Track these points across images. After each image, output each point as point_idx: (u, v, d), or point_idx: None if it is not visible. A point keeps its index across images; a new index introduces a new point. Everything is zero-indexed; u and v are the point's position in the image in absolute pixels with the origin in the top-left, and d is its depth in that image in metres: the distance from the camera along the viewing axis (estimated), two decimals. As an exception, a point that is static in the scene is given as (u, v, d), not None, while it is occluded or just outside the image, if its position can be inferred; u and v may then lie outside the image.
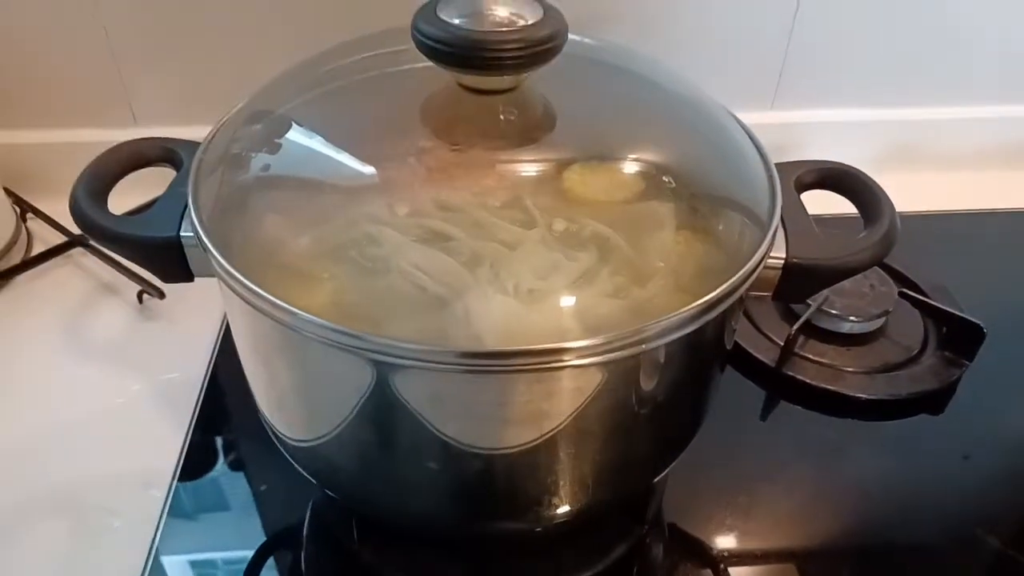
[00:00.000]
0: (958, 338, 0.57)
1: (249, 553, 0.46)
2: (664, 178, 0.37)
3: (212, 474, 0.51)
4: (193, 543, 0.47)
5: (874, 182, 0.41)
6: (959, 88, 0.75)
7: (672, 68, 0.43)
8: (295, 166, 0.38)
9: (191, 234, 0.36)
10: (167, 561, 0.45)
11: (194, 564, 0.46)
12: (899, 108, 0.75)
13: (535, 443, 0.34)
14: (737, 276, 0.33)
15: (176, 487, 0.49)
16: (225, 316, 0.59)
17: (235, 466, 0.51)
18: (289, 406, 0.39)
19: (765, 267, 0.36)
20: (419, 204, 0.35)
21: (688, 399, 0.40)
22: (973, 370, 0.56)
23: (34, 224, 0.67)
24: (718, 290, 0.32)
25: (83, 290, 0.62)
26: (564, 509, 0.38)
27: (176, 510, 0.47)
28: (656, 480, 0.43)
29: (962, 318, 0.57)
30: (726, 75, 0.70)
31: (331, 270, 0.34)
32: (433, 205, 0.35)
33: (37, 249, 0.64)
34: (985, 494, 0.50)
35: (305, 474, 0.42)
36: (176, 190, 0.38)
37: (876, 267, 0.61)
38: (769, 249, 0.35)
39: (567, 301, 0.33)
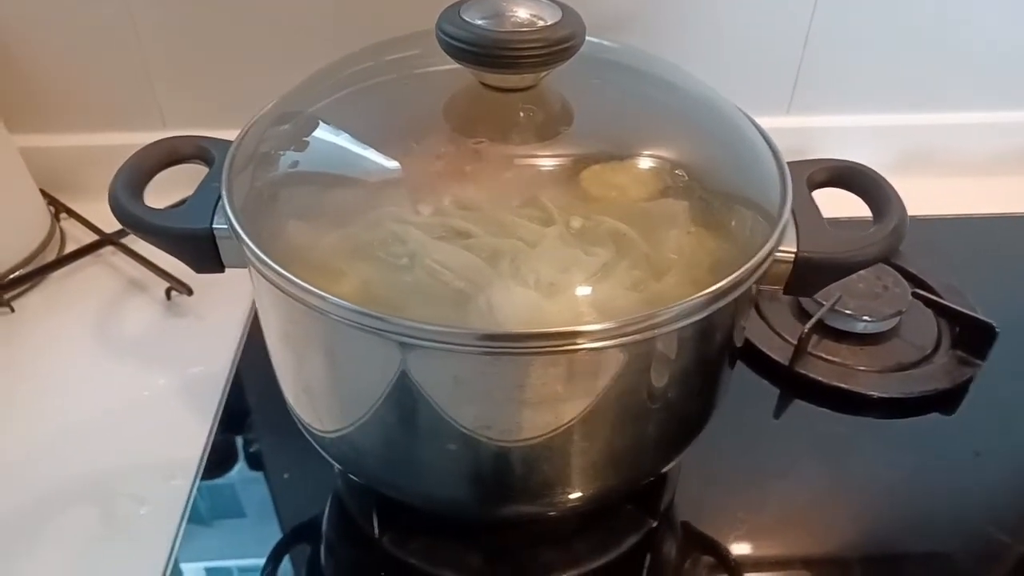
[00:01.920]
0: (971, 338, 0.57)
1: (268, 555, 0.47)
2: (679, 176, 0.38)
3: (234, 466, 0.52)
4: (214, 545, 0.48)
5: (883, 179, 0.41)
6: (973, 94, 0.76)
7: (686, 69, 0.44)
8: (323, 164, 0.39)
9: (224, 226, 0.38)
10: (187, 568, 0.46)
11: (211, 571, 0.47)
12: (913, 113, 0.76)
13: (550, 425, 0.35)
14: (747, 266, 0.34)
15: (199, 486, 0.50)
16: (251, 312, 0.61)
17: (258, 455, 0.53)
18: (316, 392, 0.40)
19: (776, 260, 0.37)
20: (442, 203, 0.36)
21: (697, 389, 0.40)
22: (986, 370, 0.56)
23: (67, 224, 0.69)
24: (728, 279, 0.33)
25: (113, 287, 0.64)
26: (578, 492, 0.39)
27: (196, 516, 0.48)
28: (667, 469, 0.44)
29: (975, 318, 0.57)
30: (743, 81, 0.71)
31: (357, 266, 0.35)
32: (455, 204, 0.36)
33: (70, 248, 0.66)
34: (996, 492, 0.51)
35: (331, 460, 0.44)
36: (209, 185, 0.40)
37: (891, 269, 0.62)
38: (779, 242, 0.36)
39: (586, 294, 0.34)
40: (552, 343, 0.32)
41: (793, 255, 0.38)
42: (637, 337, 0.32)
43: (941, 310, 0.60)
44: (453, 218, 0.35)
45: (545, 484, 0.38)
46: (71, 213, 0.69)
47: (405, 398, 0.35)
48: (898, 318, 0.59)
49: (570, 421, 0.35)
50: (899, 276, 0.61)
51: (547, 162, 0.38)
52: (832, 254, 0.38)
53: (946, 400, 0.55)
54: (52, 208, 0.69)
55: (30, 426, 0.53)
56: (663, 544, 0.47)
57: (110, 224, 0.63)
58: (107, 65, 0.68)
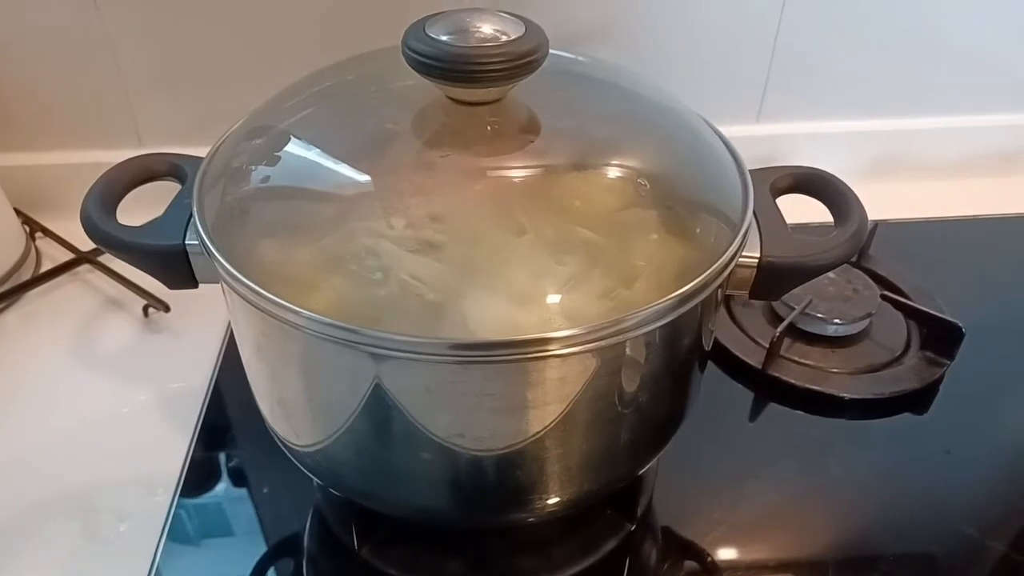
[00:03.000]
0: (939, 338, 0.58)
1: (250, 572, 0.47)
2: (646, 185, 0.39)
3: (214, 481, 0.52)
4: (195, 561, 0.48)
5: (844, 184, 0.42)
6: (941, 99, 0.77)
7: (651, 80, 0.45)
8: (294, 178, 0.40)
9: (196, 242, 0.38)
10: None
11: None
12: (881, 119, 0.78)
13: (523, 432, 0.36)
14: (710, 271, 0.35)
15: (179, 502, 0.50)
16: (228, 328, 0.61)
17: (237, 470, 0.53)
18: (291, 407, 0.40)
19: (740, 265, 0.38)
20: (413, 215, 0.36)
21: (669, 393, 0.41)
22: (954, 369, 0.57)
23: (43, 243, 0.69)
24: (692, 283, 0.34)
25: (90, 305, 0.64)
26: (554, 498, 0.40)
27: (176, 531, 0.48)
28: (642, 472, 0.45)
29: (942, 319, 0.58)
30: (712, 91, 0.73)
31: (330, 280, 0.35)
32: (427, 216, 0.36)
33: (46, 266, 0.66)
34: (968, 489, 0.51)
35: (309, 474, 0.44)
36: (181, 201, 0.40)
37: (860, 272, 0.63)
38: (741, 247, 0.37)
39: (558, 303, 0.34)
40: (521, 351, 0.32)
41: (757, 260, 0.39)
42: (605, 343, 0.33)
43: (910, 312, 0.61)
44: (425, 231, 0.36)
45: (521, 491, 0.39)
46: (46, 232, 0.69)
47: (379, 410, 0.35)
48: (868, 320, 0.60)
49: (543, 428, 0.36)
50: (868, 279, 0.62)
51: (517, 173, 0.39)
52: (795, 258, 0.39)
53: (917, 400, 0.56)
54: (27, 227, 0.69)
55: (9, 443, 0.53)
56: (642, 547, 0.48)
57: (86, 243, 0.63)
58: (82, 83, 0.68)
